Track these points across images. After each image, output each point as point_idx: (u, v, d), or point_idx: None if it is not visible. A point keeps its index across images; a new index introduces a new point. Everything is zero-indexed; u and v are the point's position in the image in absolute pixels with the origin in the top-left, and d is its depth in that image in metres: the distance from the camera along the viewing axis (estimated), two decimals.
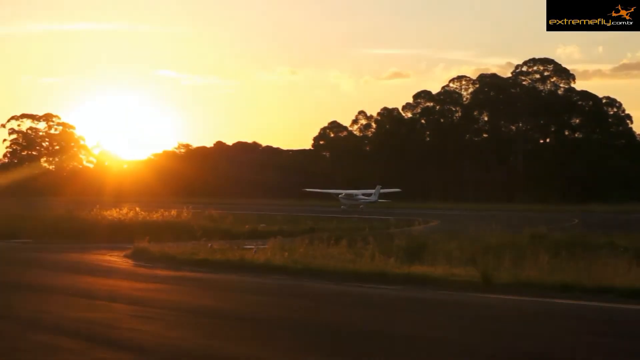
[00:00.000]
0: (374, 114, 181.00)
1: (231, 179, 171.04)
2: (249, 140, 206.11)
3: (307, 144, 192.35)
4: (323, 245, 36.28)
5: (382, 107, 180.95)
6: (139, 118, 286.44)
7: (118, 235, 49.10)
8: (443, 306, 21.60)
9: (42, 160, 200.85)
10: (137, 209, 63.88)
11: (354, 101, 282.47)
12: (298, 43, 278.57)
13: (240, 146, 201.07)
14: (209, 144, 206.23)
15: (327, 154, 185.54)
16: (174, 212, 61.72)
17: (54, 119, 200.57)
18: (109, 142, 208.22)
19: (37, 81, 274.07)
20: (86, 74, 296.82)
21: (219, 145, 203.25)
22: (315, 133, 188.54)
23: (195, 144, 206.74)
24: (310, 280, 27.81)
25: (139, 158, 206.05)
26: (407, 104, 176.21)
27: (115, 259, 36.86)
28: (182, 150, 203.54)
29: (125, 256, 37.57)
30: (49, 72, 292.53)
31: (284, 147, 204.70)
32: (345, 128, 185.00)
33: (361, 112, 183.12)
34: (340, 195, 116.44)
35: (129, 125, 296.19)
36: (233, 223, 58.88)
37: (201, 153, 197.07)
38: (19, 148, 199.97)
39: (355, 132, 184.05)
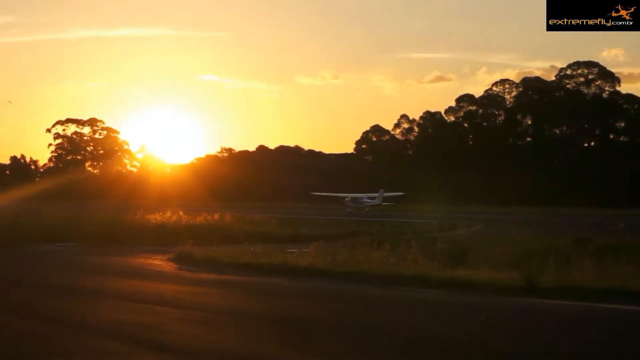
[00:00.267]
0: (417, 118, 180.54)
1: (273, 182, 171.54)
2: (291, 144, 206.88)
3: (350, 148, 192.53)
4: (366, 248, 36.23)
5: (424, 110, 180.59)
6: (182, 122, 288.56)
7: (162, 238, 49.38)
8: (487, 310, 21.48)
9: (87, 164, 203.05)
10: (181, 212, 64.31)
11: (396, 105, 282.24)
12: (341, 47, 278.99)
13: (283, 150, 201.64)
14: (252, 148, 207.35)
15: (370, 158, 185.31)
16: (216, 216, 62.05)
17: (98, 124, 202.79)
18: (152, 146, 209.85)
19: (82, 86, 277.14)
20: (130, 79, 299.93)
21: (262, 149, 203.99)
22: (358, 137, 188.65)
23: (238, 148, 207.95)
24: (353, 284, 27.79)
25: (182, 162, 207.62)
26: (450, 107, 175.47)
27: (159, 262, 37.10)
28: (225, 155, 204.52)
29: (169, 260, 37.80)
30: (93, 78, 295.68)
31: (326, 151, 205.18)
32: (387, 132, 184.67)
33: (403, 116, 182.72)
34: (346, 199, 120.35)
35: (172, 130, 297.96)
36: (275, 227, 59.07)
37: (244, 157, 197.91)
38: (64, 152, 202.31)
39: (397, 136, 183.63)
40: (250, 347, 15.41)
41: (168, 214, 62.42)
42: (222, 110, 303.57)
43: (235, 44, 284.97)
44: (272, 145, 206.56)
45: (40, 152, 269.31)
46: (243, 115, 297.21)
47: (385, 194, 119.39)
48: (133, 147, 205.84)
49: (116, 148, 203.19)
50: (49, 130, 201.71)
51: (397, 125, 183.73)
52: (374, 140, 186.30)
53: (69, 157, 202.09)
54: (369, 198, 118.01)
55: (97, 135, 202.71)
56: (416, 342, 16.06)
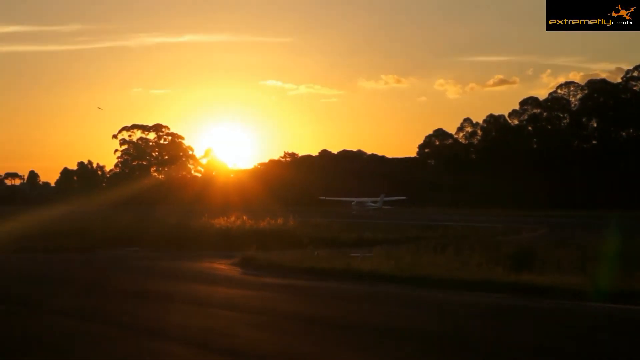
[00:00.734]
0: (480, 121, 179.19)
1: (336, 187, 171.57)
2: (354, 149, 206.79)
3: (412, 152, 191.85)
4: (429, 253, 36.13)
5: (488, 114, 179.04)
6: (246, 128, 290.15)
7: (226, 243, 49.77)
8: (553, 315, 21.28)
9: (152, 169, 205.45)
10: (245, 217, 64.70)
11: (459, 108, 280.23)
12: (403, 51, 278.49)
13: (346, 154, 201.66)
14: (315, 152, 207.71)
15: (432, 162, 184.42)
16: (280, 221, 62.27)
17: (163, 129, 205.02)
18: (216, 151, 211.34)
19: (147, 93, 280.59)
20: (194, 85, 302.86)
21: (324, 153, 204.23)
22: (420, 141, 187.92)
23: (301, 152, 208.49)
24: (417, 288, 27.70)
25: (245, 167, 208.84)
26: (514, 110, 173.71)
27: (224, 267, 37.40)
28: (288, 159, 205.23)
29: (234, 264, 38.08)
30: (158, 84, 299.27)
31: (389, 155, 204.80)
32: (450, 135, 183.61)
33: (467, 120, 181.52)
34: (353, 203, 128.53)
35: (236, 135, 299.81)
36: (338, 231, 59.08)
37: (307, 162, 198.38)
38: (129, 158, 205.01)
39: (460, 140, 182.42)
40: (315, 352, 15.48)
41: (232, 219, 62.85)
42: (285, 115, 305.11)
43: (298, 49, 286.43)
44: (335, 149, 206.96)
45: (107, 157, 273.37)
46: (306, 120, 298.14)
47: (386, 198, 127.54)
48: (197, 152, 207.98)
49: (181, 153, 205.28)
50: (115, 137, 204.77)
51: (460, 129, 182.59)
52: (437, 144, 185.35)
53: (134, 163, 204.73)
54: (372, 202, 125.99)
55: (162, 141, 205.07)
56: (483, 347, 15.96)
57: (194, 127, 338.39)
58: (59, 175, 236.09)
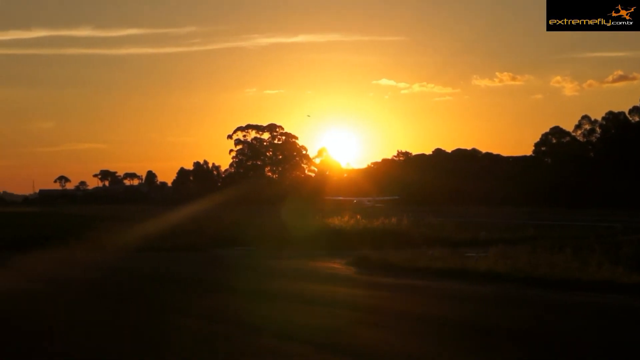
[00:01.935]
0: (599, 119, 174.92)
1: (450, 186, 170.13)
2: (468, 147, 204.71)
3: (528, 150, 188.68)
4: (546, 253, 35.34)
5: (607, 111, 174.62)
6: (359, 127, 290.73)
7: (340, 242, 49.78)
8: None
9: (266, 169, 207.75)
10: (358, 216, 64.65)
11: (576, 106, 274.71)
12: (519, 49, 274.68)
13: (460, 153, 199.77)
14: (428, 151, 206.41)
15: (549, 160, 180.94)
16: (393, 220, 61.99)
17: (277, 129, 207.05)
18: (330, 151, 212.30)
19: (261, 93, 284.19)
20: (307, 85, 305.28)
21: (438, 152, 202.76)
22: (537, 139, 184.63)
23: (414, 151, 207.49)
24: (534, 288, 27.14)
25: (359, 166, 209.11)
26: (634, 107, 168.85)
27: (338, 266, 37.42)
28: (401, 158, 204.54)
29: (348, 263, 38.04)
30: (272, 84, 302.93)
31: (504, 153, 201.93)
32: (568, 133, 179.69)
33: (585, 117, 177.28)
34: (354, 201, 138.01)
35: (349, 134, 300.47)
36: (452, 231, 58.45)
37: (420, 161, 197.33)
38: (244, 158, 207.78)
39: (578, 138, 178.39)
40: (431, 351, 15.28)
41: (346, 218, 62.89)
42: (399, 114, 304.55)
43: (411, 48, 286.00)
44: (448, 148, 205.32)
45: (222, 157, 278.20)
46: (419, 118, 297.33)
47: (382, 198, 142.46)
48: (311, 152, 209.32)
49: (294, 153, 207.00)
50: (230, 137, 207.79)
51: (577, 127, 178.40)
52: (554, 142, 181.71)
53: (249, 163, 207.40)
54: (368, 201, 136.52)
55: (276, 141, 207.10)
56: (608, 352, 15.48)
57: (307, 127, 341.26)
58: (175, 175, 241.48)
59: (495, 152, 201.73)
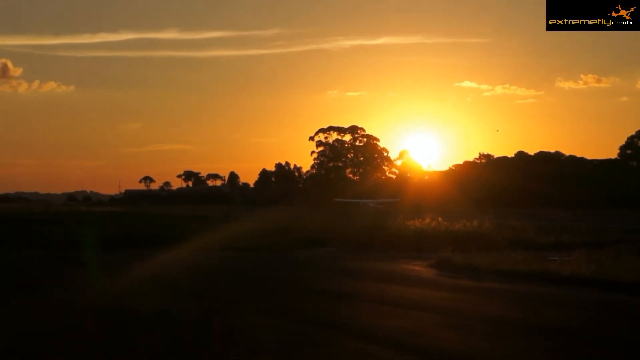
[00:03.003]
0: None
1: (533, 188, 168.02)
2: (551, 150, 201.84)
3: (613, 153, 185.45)
4: (633, 257, 34.81)
5: None
6: (441, 129, 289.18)
7: (421, 244, 49.75)
8: None
9: (347, 171, 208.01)
10: (439, 219, 64.44)
11: None
12: (604, 51, 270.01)
13: (543, 156, 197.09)
14: (510, 154, 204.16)
15: (635, 164, 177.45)
16: (475, 223, 61.62)
17: (359, 131, 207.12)
18: (411, 153, 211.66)
19: (342, 95, 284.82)
20: (389, 87, 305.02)
21: (521, 155, 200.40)
22: (622, 142, 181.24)
23: (497, 154, 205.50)
24: (621, 293, 26.79)
25: (440, 169, 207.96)
26: None
27: (419, 268, 37.42)
28: (483, 161, 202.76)
29: (429, 266, 38.01)
30: (354, 86, 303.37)
31: (588, 156, 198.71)
32: None
33: None
34: (360, 203, 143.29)
35: (431, 137, 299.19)
36: (535, 234, 57.88)
37: (502, 163, 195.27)
38: (325, 160, 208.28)
39: None
40: (513, 356, 15.27)
41: (427, 220, 62.72)
42: (481, 117, 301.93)
43: (494, 50, 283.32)
44: (531, 151, 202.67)
45: (304, 159, 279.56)
46: (502, 121, 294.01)
47: (383, 200, 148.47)
48: (392, 154, 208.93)
49: (376, 155, 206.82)
50: (312, 138, 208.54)
51: None
52: None
53: (330, 164, 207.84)
54: (371, 203, 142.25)
55: (357, 143, 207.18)
56: None
57: (388, 129, 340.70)
58: (257, 176, 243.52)
59: (579, 154, 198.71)
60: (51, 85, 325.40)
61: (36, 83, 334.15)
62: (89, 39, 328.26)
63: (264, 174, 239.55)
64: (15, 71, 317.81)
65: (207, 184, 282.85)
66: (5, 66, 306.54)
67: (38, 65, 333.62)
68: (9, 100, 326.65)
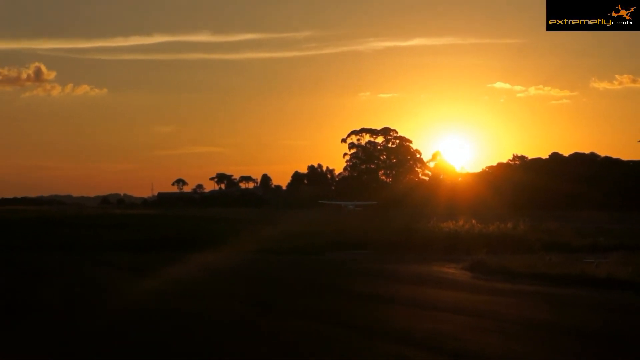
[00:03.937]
0: None
1: (568, 190, 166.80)
2: (586, 151, 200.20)
3: None
4: None
5: None
6: (474, 131, 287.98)
7: (454, 247, 49.58)
8: None
9: (380, 173, 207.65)
10: (473, 221, 64.12)
11: None
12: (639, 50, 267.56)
13: (577, 157, 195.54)
14: (545, 155, 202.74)
15: None
16: (509, 225, 61.27)
17: (391, 133, 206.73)
18: (444, 155, 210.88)
19: (375, 97, 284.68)
20: (421, 88, 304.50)
21: (555, 156, 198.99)
22: None
23: (531, 155, 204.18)
24: None
25: (473, 170, 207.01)
26: None
27: (453, 270, 37.26)
28: (517, 162, 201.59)
29: (463, 268, 37.84)
30: (386, 88, 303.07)
31: (624, 157, 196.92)
32: None
33: None
34: (341, 206, 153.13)
35: (464, 138, 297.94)
36: (571, 236, 57.48)
37: (536, 165, 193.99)
38: (358, 162, 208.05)
39: None
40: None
41: (460, 223, 62.44)
42: (514, 118, 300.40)
43: (527, 51, 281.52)
44: (566, 152, 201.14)
45: (336, 161, 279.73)
46: (536, 122, 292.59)
47: (362, 203, 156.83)
48: (425, 155, 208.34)
49: (408, 157, 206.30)
50: (344, 140, 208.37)
51: None
52: None
53: (362, 166, 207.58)
54: (350, 205, 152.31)
55: (390, 145, 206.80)
56: None
57: (421, 131, 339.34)
58: (290, 178, 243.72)
59: (614, 156, 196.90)
60: (84, 88, 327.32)
61: (69, 86, 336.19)
62: (122, 42, 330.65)
63: (297, 176, 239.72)
64: (49, 75, 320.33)
65: (240, 187, 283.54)
66: (39, 70, 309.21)
67: (71, 68, 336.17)
68: (42, 103, 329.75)
